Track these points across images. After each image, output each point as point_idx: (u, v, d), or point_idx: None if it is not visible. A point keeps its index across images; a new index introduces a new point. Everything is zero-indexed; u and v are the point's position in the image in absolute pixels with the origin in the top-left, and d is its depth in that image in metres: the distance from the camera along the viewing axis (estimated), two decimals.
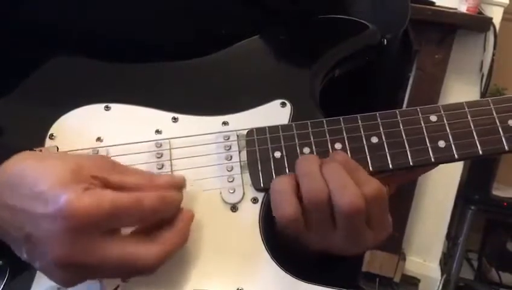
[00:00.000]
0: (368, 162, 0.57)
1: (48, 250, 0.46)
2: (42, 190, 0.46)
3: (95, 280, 0.52)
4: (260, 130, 0.59)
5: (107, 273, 0.49)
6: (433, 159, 0.57)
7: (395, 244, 2.36)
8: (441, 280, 2.43)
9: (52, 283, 0.53)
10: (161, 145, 0.58)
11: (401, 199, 2.26)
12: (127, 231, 0.50)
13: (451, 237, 2.52)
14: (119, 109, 0.60)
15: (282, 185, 0.54)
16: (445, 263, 2.50)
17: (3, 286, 0.54)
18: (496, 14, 2.23)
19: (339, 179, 0.52)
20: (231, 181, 0.57)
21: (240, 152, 0.58)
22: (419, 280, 2.50)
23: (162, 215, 0.51)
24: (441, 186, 2.41)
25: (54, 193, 0.46)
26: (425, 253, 2.53)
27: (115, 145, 0.58)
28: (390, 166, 0.57)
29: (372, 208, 0.52)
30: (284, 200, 0.53)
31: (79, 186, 0.46)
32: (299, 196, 0.53)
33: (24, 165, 0.49)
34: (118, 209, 0.47)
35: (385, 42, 0.64)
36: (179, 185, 0.53)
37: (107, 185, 0.49)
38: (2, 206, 0.48)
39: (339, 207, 0.51)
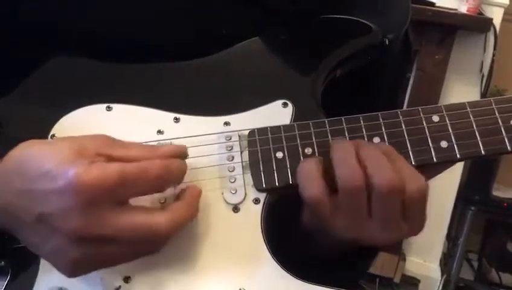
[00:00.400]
0: None
1: (61, 225, 0.47)
2: (49, 168, 0.47)
3: (102, 269, 0.51)
4: (262, 131, 0.59)
5: (121, 244, 0.49)
6: (435, 159, 0.57)
7: (395, 245, 2.36)
8: (441, 280, 2.43)
9: (54, 283, 0.54)
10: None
11: None
12: (137, 203, 0.51)
13: (452, 237, 2.52)
14: (120, 110, 0.60)
15: (309, 165, 0.55)
16: (445, 263, 2.50)
17: (5, 286, 0.55)
18: (496, 15, 2.23)
19: (376, 161, 0.53)
20: (233, 182, 0.57)
21: (241, 152, 0.58)
22: (419, 281, 2.50)
23: (168, 183, 0.52)
24: (441, 187, 2.40)
25: (61, 169, 0.46)
26: (425, 253, 2.53)
27: None
28: None
29: (412, 204, 0.53)
30: (309, 180, 0.54)
31: (85, 161, 0.47)
32: (330, 179, 0.53)
33: (29, 150, 0.49)
34: (125, 179, 0.47)
35: (387, 42, 0.63)
36: (181, 154, 0.54)
37: (111, 159, 0.49)
38: (9, 192, 0.49)
39: (375, 187, 0.52)
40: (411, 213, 0.54)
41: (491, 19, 2.16)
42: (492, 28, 2.19)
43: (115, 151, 0.50)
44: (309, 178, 0.54)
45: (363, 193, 0.52)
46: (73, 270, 0.49)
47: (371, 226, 0.53)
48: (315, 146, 0.57)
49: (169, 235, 0.50)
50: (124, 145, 0.52)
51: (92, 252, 0.48)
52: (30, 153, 0.49)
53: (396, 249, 2.37)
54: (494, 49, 2.23)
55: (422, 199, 0.53)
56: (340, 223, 0.54)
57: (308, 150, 0.57)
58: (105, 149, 0.50)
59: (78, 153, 0.48)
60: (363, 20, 0.64)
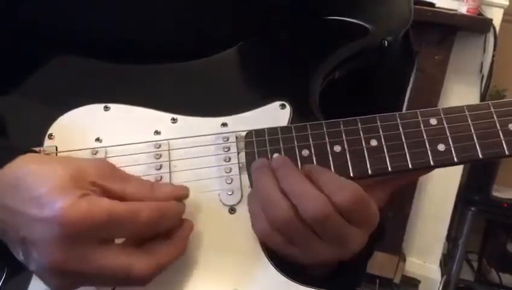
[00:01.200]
0: (367, 164, 0.57)
1: (41, 255, 0.46)
2: (40, 194, 0.46)
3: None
4: (259, 132, 0.59)
5: (100, 282, 0.49)
6: (432, 163, 0.56)
7: (395, 246, 2.36)
8: (441, 281, 2.43)
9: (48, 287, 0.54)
10: (160, 146, 0.58)
11: (401, 200, 2.25)
12: (122, 240, 0.50)
13: (452, 238, 2.51)
14: (118, 109, 0.60)
15: (250, 201, 0.55)
16: (446, 264, 2.50)
17: (0, 286, 0.55)
18: (496, 16, 2.23)
19: (297, 188, 0.52)
20: (229, 183, 0.57)
21: (238, 154, 0.58)
22: (419, 281, 2.50)
23: (159, 228, 0.50)
24: (441, 188, 2.41)
25: (50, 197, 0.46)
26: (425, 254, 2.53)
27: (114, 145, 0.58)
28: (389, 169, 0.56)
29: (351, 211, 0.51)
30: (254, 216, 0.54)
31: (76, 192, 0.46)
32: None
33: (25, 169, 0.49)
34: (113, 219, 0.46)
35: (386, 45, 0.63)
36: (180, 196, 0.53)
37: (106, 192, 0.49)
38: (2, 208, 0.48)
39: (306, 218, 0.51)
40: (355, 219, 0.52)
41: (491, 20, 2.16)
42: (492, 29, 2.19)
43: (112, 184, 0.49)
44: (253, 213, 0.54)
45: (296, 222, 0.51)
46: (57, 289, 0.49)
47: (326, 247, 0.52)
48: (312, 148, 0.57)
49: (151, 279, 0.49)
50: (123, 178, 0.51)
51: (71, 282, 0.48)
52: (26, 173, 0.48)
53: (396, 250, 2.37)
54: (494, 49, 2.22)
55: (357, 204, 0.51)
56: (294, 251, 0.53)
57: (305, 152, 0.57)
58: (102, 180, 0.49)
59: (71, 179, 0.47)
60: (361, 23, 0.64)
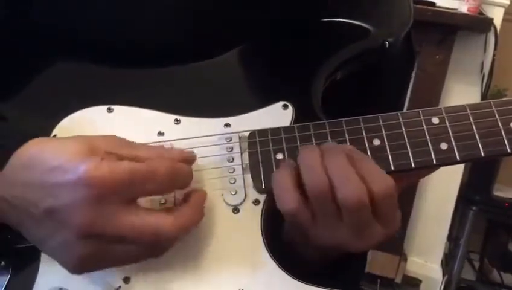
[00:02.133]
0: None
1: (69, 219, 0.47)
2: (60, 163, 0.47)
3: (106, 267, 0.52)
4: (262, 132, 0.59)
5: (127, 244, 0.49)
6: (435, 161, 0.57)
7: (396, 245, 2.36)
8: (442, 280, 2.43)
9: (54, 284, 0.54)
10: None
11: (402, 199, 2.25)
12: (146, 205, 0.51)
13: (453, 237, 2.52)
14: (121, 111, 0.60)
15: (282, 177, 0.54)
16: (447, 263, 2.50)
17: (5, 286, 0.55)
18: (497, 15, 2.23)
19: (341, 170, 0.52)
20: (233, 183, 0.58)
21: (241, 154, 0.59)
22: (420, 281, 2.50)
23: (176, 186, 0.52)
24: (442, 187, 2.41)
25: (72, 163, 0.47)
26: (426, 254, 2.53)
27: None
28: (392, 168, 0.57)
29: (381, 204, 0.52)
30: (284, 192, 0.53)
31: (96, 157, 0.47)
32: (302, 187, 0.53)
33: (40, 145, 0.50)
34: (135, 177, 0.48)
35: (387, 46, 0.64)
36: (188, 159, 0.54)
37: (121, 159, 0.49)
38: (17, 186, 0.49)
39: (341, 200, 0.52)
40: (382, 214, 0.53)
41: (492, 19, 2.16)
42: (492, 28, 2.19)
43: (125, 151, 0.50)
44: (283, 189, 0.54)
45: (329, 200, 0.52)
46: (77, 266, 0.49)
47: (344, 232, 0.53)
48: None
49: (175, 238, 0.50)
50: (133, 145, 0.52)
51: (97, 249, 0.48)
52: (41, 148, 0.49)
53: (398, 250, 2.38)
54: (495, 49, 2.23)
55: (390, 198, 0.53)
56: (317, 230, 0.54)
57: None
58: (115, 148, 0.50)
59: (88, 149, 0.48)
60: (362, 24, 0.64)
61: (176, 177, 0.51)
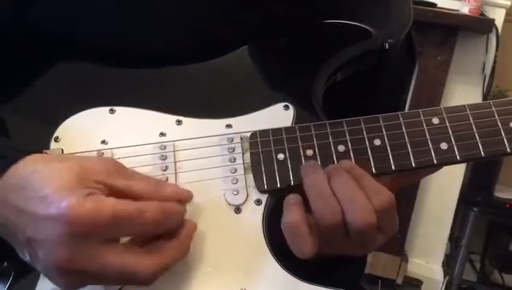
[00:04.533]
0: (370, 163, 0.57)
1: (47, 254, 0.47)
2: (46, 193, 0.47)
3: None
4: (263, 133, 0.59)
5: (106, 281, 0.49)
6: (435, 161, 0.57)
7: (397, 246, 2.36)
8: (443, 281, 2.43)
9: (55, 286, 0.54)
10: (165, 147, 0.59)
11: (403, 200, 2.25)
12: (127, 239, 0.50)
13: (454, 238, 2.51)
14: (123, 112, 0.60)
15: (294, 221, 0.53)
16: (448, 264, 2.50)
17: (7, 287, 0.55)
18: (498, 16, 2.23)
19: (349, 193, 0.53)
20: (235, 183, 0.58)
21: (243, 154, 0.59)
22: (421, 282, 2.49)
23: (163, 228, 0.50)
24: (443, 188, 2.41)
25: (56, 196, 0.46)
26: (427, 255, 2.53)
27: (120, 147, 0.59)
28: (393, 167, 0.57)
29: (383, 217, 0.53)
30: (300, 240, 0.53)
31: (82, 191, 0.47)
32: (310, 212, 0.53)
33: (32, 168, 0.49)
34: (118, 218, 0.47)
35: (387, 46, 0.64)
36: (184, 199, 0.53)
37: (111, 190, 0.49)
38: (9, 207, 0.49)
39: (352, 224, 0.52)
40: (384, 226, 0.54)
41: (493, 20, 2.16)
42: (494, 29, 2.19)
43: (117, 182, 0.50)
44: (296, 235, 0.53)
45: (340, 224, 0.52)
46: (64, 288, 0.49)
47: (350, 247, 0.54)
48: (316, 148, 0.58)
49: (156, 278, 0.49)
50: (128, 176, 0.51)
51: (78, 281, 0.48)
52: (32, 172, 0.49)
53: (399, 251, 2.37)
54: (496, 50, 2.23)
55: (391, 212, 0.54)
56: (323, 248, 0.54)
57: (309, 152, 0.58)
58: (108, 178, 0.49)
59: (77, 180, 0.48)
60: (362, 25, 0.64)
61: (164, 220, 0.49)
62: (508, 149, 0.57)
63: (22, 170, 0.49)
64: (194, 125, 0.60)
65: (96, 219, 0.46)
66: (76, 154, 0.57)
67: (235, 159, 0.59)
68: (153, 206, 0.49)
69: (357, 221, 0.51)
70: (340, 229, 0.52)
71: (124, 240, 0.50)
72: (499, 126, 0.58)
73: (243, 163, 0.58)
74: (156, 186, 0.52)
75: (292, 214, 0.53)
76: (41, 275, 0.54)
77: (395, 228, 0.55)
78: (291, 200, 0.54)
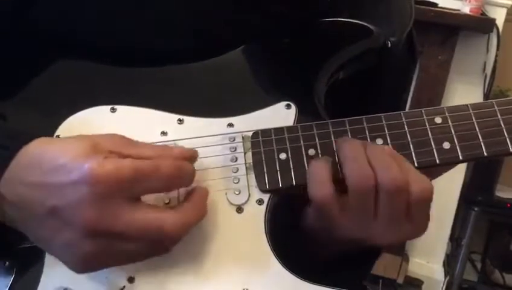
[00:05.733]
0: None
1: (74, 218, 0.47)
2: (64, 162, 0.48)
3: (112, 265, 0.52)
4: (265, 132, 0.59)
5: (132, 241, 0.49)
6: (438, 161, 0.57)
7: (398, 246, 2.36)
8: (444, 281, 2.43)
9: (59, 283, 0.54)
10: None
11: None
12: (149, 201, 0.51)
13: (455, 238, 2.52)
14: (125, 111, 0.60)
15: (318, 166, 0.55)
16: (449, 264, 2.50)
17: (9, 286, 0.55)
18: (499, 15, 2.23)
19: (384, 160, 0.54)
20: (236, 182, 0.58)
21: (245, 154, 0.59)
22: (422, 282, 2.50)
23: (179, 184, 0.52)
24: (444, 188, 2.41)
25: (76, 162, 0.47)
26: (428, 254, 2.53)
27: None
28: None
29: (416, 205, 0.53)
30: (318, 181, 0.54)
31: (99, 155, 0.48)
32: (339, 179, 0.54)
33: (44, 146, 0.50)
34: (138, 174, 0.48)
35: (389, 45, 0.64)
36: (191, 157, 0.54)
37: (124, 157, 0.50)
38: (21, 186, 0.49)
39: (381, 185, 0.53)
40: (415, 214, 0.54)
41: (494, 19, 2.17)
42: (495, 29, 2.19)
43: (128, 150, 0.51)
44: (318, 180, 0.54)
45: (372, 192, 0.53)
46: (81, 265, 0.49)
47: (375, 226, 0.54)
48: (318, 147, 0.58)
49: (180, 235, 0.50)
50: (136, 144, 0.53)
51: (102, 247, 0.48)
52: (45, 148, 0.50)
53: (400, 251, 2.38)
54: (497, 49, 2.23)
55: (426, 200, 0.54)
56: (347, 223, 0.54)
57: (312, 151, 0.58)
58: (118, 147, 0.50)
59: (92, 148, 0.49)
60: (364, 23, 0.64)
61: (179, 174, 0.51)
62: (511, 149, 0.57)
63: (32, 151, 0.50)
64: (195, 125, 0.60)
65: (119, 177, 0.47)
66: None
67: (236, 158, 0.59)
68: (167, 163, 0.50)
69: (388, 180, 0.52)
70: (370, 198, 0.53)
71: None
72: (501, 126, 0.57)
73: (245, 162, 0.58)
74: (163, 149, 0.54)
75: (316, 163, 0.56)
76: (44, 274, 0.54)
77: (425, 224, 0.56)
78: (323, 157, 0.57)
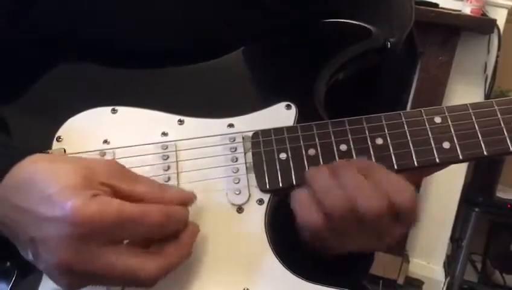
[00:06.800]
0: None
1: (50, 254, 0.46)
2: (50, 194, 0.46)
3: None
4: (265, 132, 0.59)
5: (108, 282, 0.49)
6: (437, 160, 0.57)
7: (398, 247, 2.36)
8: (444, 282, 2.43)
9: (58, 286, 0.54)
10: (167, 147, 0.59)
11: None
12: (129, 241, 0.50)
13: (455, 239, 2.51)
14: (125, 112, 0.60)
15: (303, 194, 0.54)
16: (449, 265, 2.50)
17: (10, 287, 0.55)
18: (500, 16, 2.23)
19: (354, 182, 0.52)
20: (237, 183, 0.58)
21: (245, 154, 0.59)
22: (423, 282, 2.50)
23: (166, 231, 0.50)
24: (444, 189, 2.41)
25: (61, 197, 0.46)
26: (429, 255, 2.53)
27: (122, 147, 0.59)
28: (395, 167, 0.57)
29: (405, 213, 0.52)
30: (307, 210, 0.53)
31: (87, 192, 0.47)
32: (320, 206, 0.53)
33: (35, 167, 0.49)
34: (123, 220, 0.47)
35: (389, 45, 0.64)
36: (187, 201, 0.53)
37: (116, 192, 0.49)
38: (11, 208, 0.49)
39: (362, 213, 0.51)
40: (403, 220, 0.53)
41: (495, 20, 2.16)
42: (496, 29, 2.19)
43: (121, 184, 0.50)
44: (304, 207, 0.53)
45: (352, 217, 0.52)
46: (67, 288, 0.49)
47: (366, 239, 0.54)
48: (318, 147, 0.58)
49: (159, 279, 0.49)
50: (132, 178, 0.51)
51: (80, 281, 0.48)
52: (36, 172, 0.49)
53: (400, 251, 2.37)
54: (498, 50, 2.23)
55: (411, 206, 0.53)
56: (338, 240, 0.54)
57: (312, 151, 0.58)
58: (112, 179, 0.49)
59: (82, 180, 0.47)
60: (364, 24, 0.64)
61: (167, 224, 0.49)
62: (511, 148, 0.57)
63: (24, 170, 0.49)
64: (196, 125, 0.60)
65: (101, 220, 0.46)
66: (79, 155, 0.57)
67: (237, 158, 0.59)
68: (156, 209, 0.49)
69: (367, 207, 0.51)
70: (351, 219, 0.52)
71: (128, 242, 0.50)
72: (501, 125, 0.57)
73: (245, 163, 0.58)
74: (159, 189, 0.52)
75: (301, 190, 0.54)
76: (44, 275, 0.54)
77: (416, 218, 0.54)
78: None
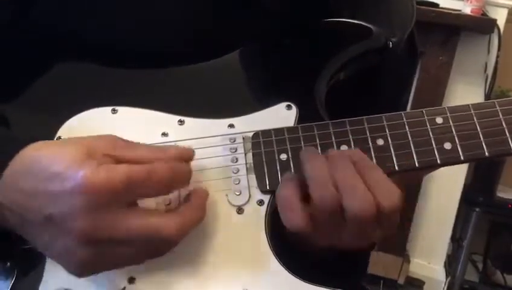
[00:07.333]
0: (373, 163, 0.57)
1: (70, 227, 0.47)
2: (58, 170, 0.47)
3: (110, 268, 0.51)
4: (266, 133, 0.59)
5: (130, 246, 0.49)
6: (439, 161, 0.57)
7: (399, 247, 2.36)
8: (445, 282, 2.43)
9: (60, 284, 0.54)
10: None
11: (405, 200, 2.25)
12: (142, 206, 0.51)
13: (456, 239, 2.51)
14: (126, 112, 0.60)
15: (287, 194, 0.54)
16: (450, 265, 2.50)
17: (11, 287, 0.55)
18: (500, 16, 2.23)
19: (348, 181, 0.52)
20: (237, 183, 0.58)
21: (245, 154, 0.59)
22: (423, 282, 2.50)
23: (175, 186, 0.52)
24: (445, 189, 2.41)
25: (70, 171, 0.47)
26: (429, 255, 2.53)
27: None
28: (396, 167, 0.57)
29: (387, 217, 0.52)
30: (290, 211, 0.53)
31: (93, 162, 0.47)
32: (306, 198, 0.53)
33: (39, 152, 0.50)
34: (132, 180, 0.48)
35: (390, 45, 0.64)
36: (187, 156, 0.54)
37: (119, 160, 0.50)
38: (17, 192, 0.49)
39: (348, 213, 0.51)
40: (385, 224, 0.53)
41: (495, 20, 2.16)
42: (496, 29, 2.19)
43: (122, 153, 0.50)
44: (288, 207, 0.53)
45: (337, 212, 0.52)
46: (81, 270, 0.49)
47: (346, 237, 0.53)
48: (319, 148, 0.58)
49: (179, 238, 0.50)
50: (130, 146, 0.52)
51: (100, 253, 0.48)
52: (40, 155, 0.49)
53: (401, 251, 2.37)
54: (498, 50, 2.23)
55: (396, 212, 0.53)
56: (319, 237, 0.54)
57: None
58: (112, 150, 0.50)
59: (86, 154, 0.48)
60: (365, 24, 0.64)
61: (174, 177, 0.51)
62: None
63: (28, 155, 0.50)
64: (196, 125, 0.60)
65: (113, 184, 0.47)
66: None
67: (237, 159, 0.59)
68: (161, 166, 0.50)
69: (355, 209, 0.51)
70: (337, 217, 0.52)
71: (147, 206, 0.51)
72: (503, 126, 0.57)
73: (245, 163, 0.58)
74: (159, 150, 0.53)
75: (285, 187, 0.54)
76: (45, 275, 0.54)
77: (395, 228, 0.55)
78: (288, 176, 0.55)
